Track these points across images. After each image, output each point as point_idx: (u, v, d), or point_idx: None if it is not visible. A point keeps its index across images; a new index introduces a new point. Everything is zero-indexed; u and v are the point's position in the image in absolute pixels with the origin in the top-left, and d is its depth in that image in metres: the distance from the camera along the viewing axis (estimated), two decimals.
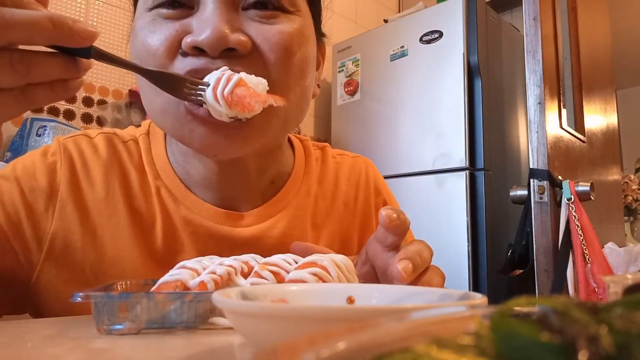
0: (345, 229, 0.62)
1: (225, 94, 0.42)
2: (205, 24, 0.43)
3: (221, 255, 0.53)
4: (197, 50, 0.44)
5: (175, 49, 0.45)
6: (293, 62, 0.47)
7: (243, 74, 0.43)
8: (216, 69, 0.44)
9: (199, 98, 0.43)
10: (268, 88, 0.44)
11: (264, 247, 0.54)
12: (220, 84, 0.42)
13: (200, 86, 0.43)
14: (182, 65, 0.45)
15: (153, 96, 0.47)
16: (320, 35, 0.56)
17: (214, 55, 0.44)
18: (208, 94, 0.42)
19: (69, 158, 0.53)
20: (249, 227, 0.55)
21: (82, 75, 0.37)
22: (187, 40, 0.43)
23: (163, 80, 0.42)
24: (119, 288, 0.42)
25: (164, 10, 0.45)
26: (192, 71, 0.44)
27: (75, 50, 0.35)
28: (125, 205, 0.53)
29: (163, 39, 0.44)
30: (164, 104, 0.46)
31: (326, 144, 0.69)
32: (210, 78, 0.43)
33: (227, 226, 0.54)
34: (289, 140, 0.64)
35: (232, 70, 0.44)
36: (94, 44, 0.36)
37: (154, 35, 0.45)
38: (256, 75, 0.45)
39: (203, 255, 0.52)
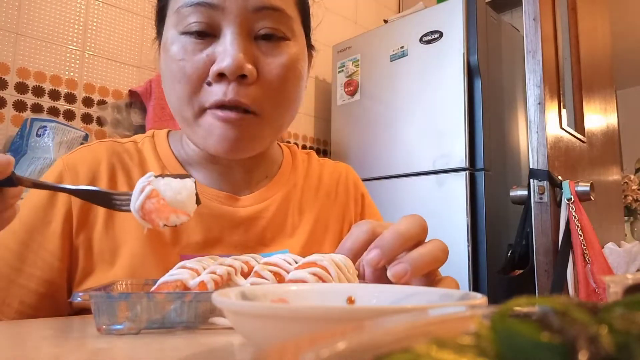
0: (325, 214, 0.71)
1: (137, 208, 0.43)
2: (227, 53, 0.52)
3: (222, 232, 0.60)
4: (220, 76, 0.53)
5: (204, 75, 0.54)
6: (288, 85, 0.58)
7: (166, 180, 0.44)
8: (229, 101, 0.53)
9: (128, 207, 0.45)
10: (195, 190, 0.46)
11: (258, 225, 0.63)
12: (133, 197, 0.43)
13: (126, 197, 0.45)
14: (205, 98, 0.54)
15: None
16: (309, 48, 0.67)
17: (232, 79, 0.53)
18: (131, 205, 0.44)
19: (73, 168, 0.59)
20: (247, 207, 0.63)
21: (13, 203, 0.41)
22: (214, 69, 0.53)
23: (92, 195, 0.45)
24: (119, 288, 0.42)
25: (193, 38, 0.54)
26: (216, 103, 0.53)
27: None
28: None
29: (195, 68, 0.54)
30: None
31: (311, 150, 0.80)
32: (136, 186, 0.44)
33: (228, 206, 0.61)
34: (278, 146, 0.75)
35: (239, 92, 0.53)
36: (14, 173, 0.38)
37: (186, 63, 0.54)
38: (260, 96, 0.54)
39: (207, 233, 0.59)
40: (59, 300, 0.55)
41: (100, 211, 0.57)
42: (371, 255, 0.40)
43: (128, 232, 0.57)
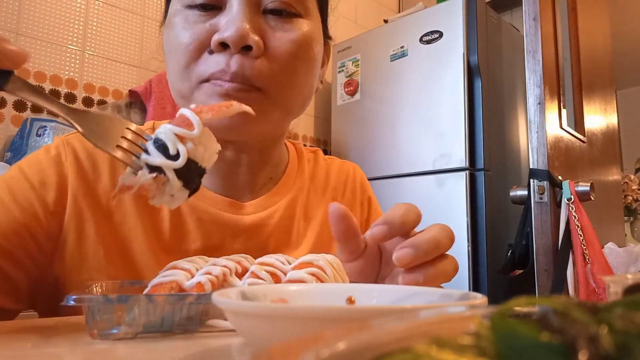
0: None
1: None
2: (231, 23, 0.49)
3: (224, 240, 0.57)
4: (222, 47, 0.50)
5: (205, 46, 0.51)
6: (298, 63, 0.53)
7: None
8: (232, 72, 0.49)
9: (137, 155, 0.36)
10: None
11: (262, 233, 0.59)
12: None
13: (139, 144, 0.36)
14: (204, 67, 0.50)
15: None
16: (327, 37, 0.63)
17: (235, 50, 0.49)
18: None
19: (72, 150, 0.55)
20: (250, 215, 0.59)
21: None
22: (215, 38, 0.49)
23: (97, 121, 0.36)
24: (95, 291, 0.40)
25: (197, 11, 0.51)
26: (217, 72, 0.49)
27: None
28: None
29: (195, 37, 0.51)
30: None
31: (318, 148, 0.76)
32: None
33: (230, 213, 0.58)
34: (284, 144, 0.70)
35: (244, 64, 0.49)
36: (14, 74, 0.33)
37: (187, 32, 0.51)
38: (266, 71, 0.50)
39: (207, 240, 0.56)
40: (37, 283, 0.51)
41: (101, 205, 0.54)
42: (404, 252, 0.38)
43: (127, 233, 0.54)
